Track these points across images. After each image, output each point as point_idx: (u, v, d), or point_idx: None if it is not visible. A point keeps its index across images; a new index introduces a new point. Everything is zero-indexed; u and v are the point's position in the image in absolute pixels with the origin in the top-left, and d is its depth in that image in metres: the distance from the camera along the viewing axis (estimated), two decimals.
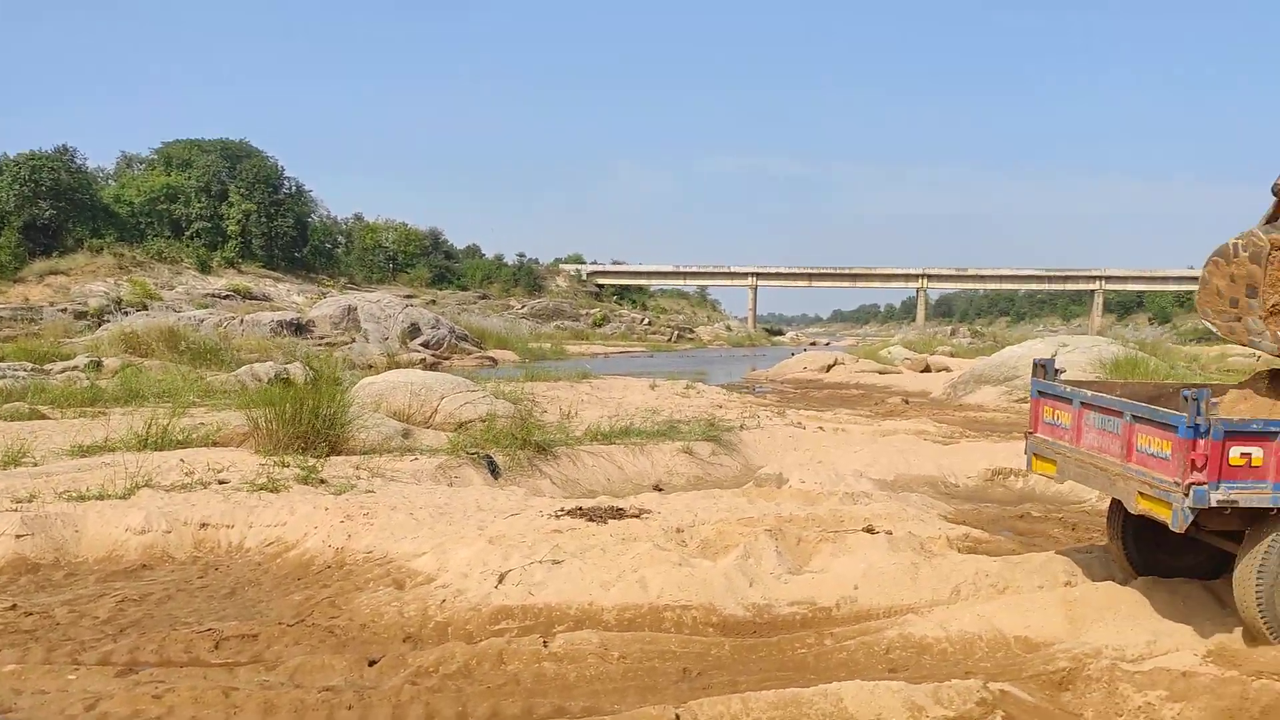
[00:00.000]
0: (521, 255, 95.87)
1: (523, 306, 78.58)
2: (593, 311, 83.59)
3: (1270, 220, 6.88)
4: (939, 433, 18.02)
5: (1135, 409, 6.95)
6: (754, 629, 7.09)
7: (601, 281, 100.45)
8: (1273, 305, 6.71)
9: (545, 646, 6.45)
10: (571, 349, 52.10)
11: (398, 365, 29.18)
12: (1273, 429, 6.40)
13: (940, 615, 7.01)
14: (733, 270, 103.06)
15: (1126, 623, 6.92)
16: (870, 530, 8.93)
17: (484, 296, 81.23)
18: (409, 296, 62.69)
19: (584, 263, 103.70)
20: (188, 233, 68.06)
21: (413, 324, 43.26)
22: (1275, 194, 6.77)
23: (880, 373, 35.41)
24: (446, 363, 37.75)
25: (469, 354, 42.68)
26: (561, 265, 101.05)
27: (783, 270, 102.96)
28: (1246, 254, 6.76)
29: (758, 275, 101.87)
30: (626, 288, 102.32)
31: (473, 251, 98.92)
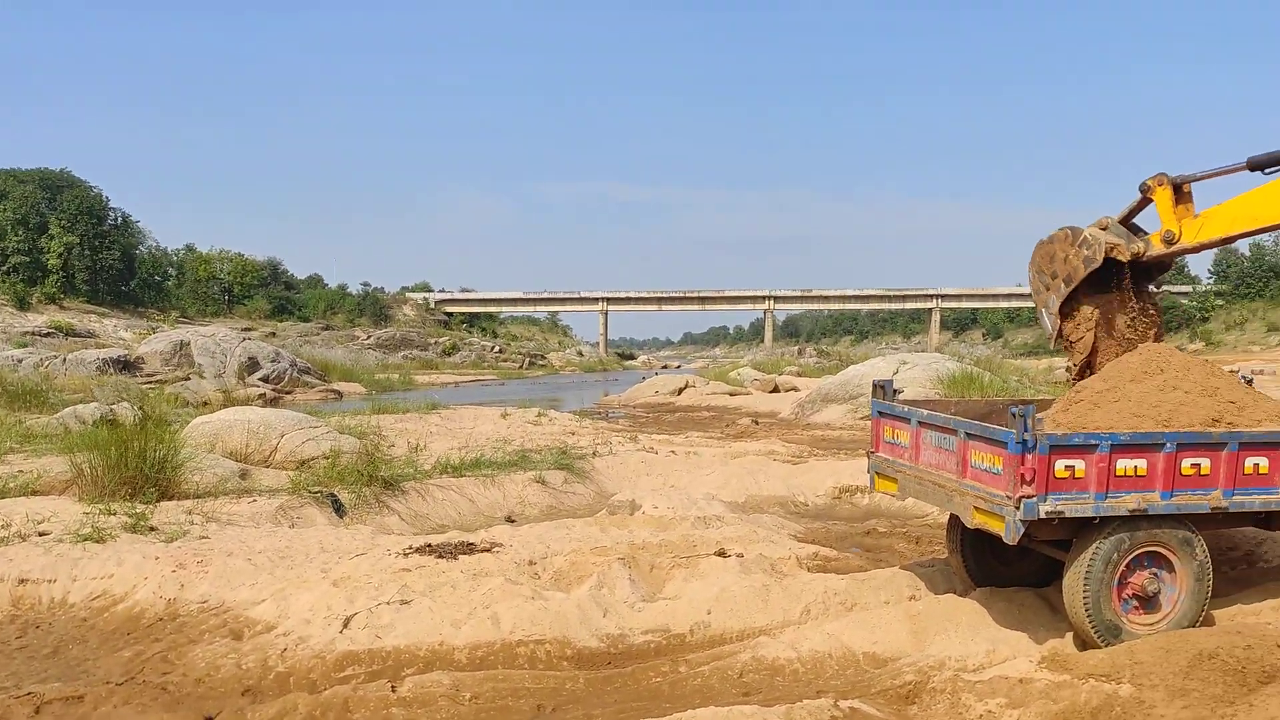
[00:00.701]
0: (366, 284, 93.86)
1: (369, 337, 76.68)
2: (442, 340, 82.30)
3: (1130, 214, 7.53)
4: (788, 452, 18.41)
5: (968, 427, 7.24)
6: (609, 660, 7.02)
7: (450, 309, 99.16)
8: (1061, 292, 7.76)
9: (393, 692, 6.22)
10: (421, 379, 51.07)
11: (235, 402, 27.92)
12: (1093, 442, 6.77)
13: (791, 636, 7.10)
14: (583, 295, 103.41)
15: (967, 633, 7.18)
16: (722, 554, 9.01)
17: (328, 327, 78.93)
18: (247, 329, 60.36)
19: (431, 290, 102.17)
20: (3, 268, 63.79)
21: (251, 358, 41.56)
22: (1141, 191, 7.24)
23: (731, 394, 36.05)
24: (288, 397, 36.39)
25: (312, 388, 41.27)
26: (408, 294, 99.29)
27: (633, 294, 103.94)
28: (1065, 240, 7.72)
29: (608, 300, 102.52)
30: (476, 315, 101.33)
31: (315, 281, 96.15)
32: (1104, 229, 7.47)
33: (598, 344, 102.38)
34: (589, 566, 8.42)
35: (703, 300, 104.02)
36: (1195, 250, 7.35)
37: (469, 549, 9.16)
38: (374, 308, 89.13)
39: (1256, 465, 7.04)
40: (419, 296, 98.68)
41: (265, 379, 40.11)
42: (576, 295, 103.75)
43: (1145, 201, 7.30)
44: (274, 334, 64.86)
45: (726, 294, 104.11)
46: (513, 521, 11.95)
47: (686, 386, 37.47)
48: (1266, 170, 6.66)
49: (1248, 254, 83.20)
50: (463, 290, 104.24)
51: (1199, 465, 6.93)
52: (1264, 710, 4.88)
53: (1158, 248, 7.41)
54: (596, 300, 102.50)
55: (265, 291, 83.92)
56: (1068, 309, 7.82)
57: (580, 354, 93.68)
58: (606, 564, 8.31)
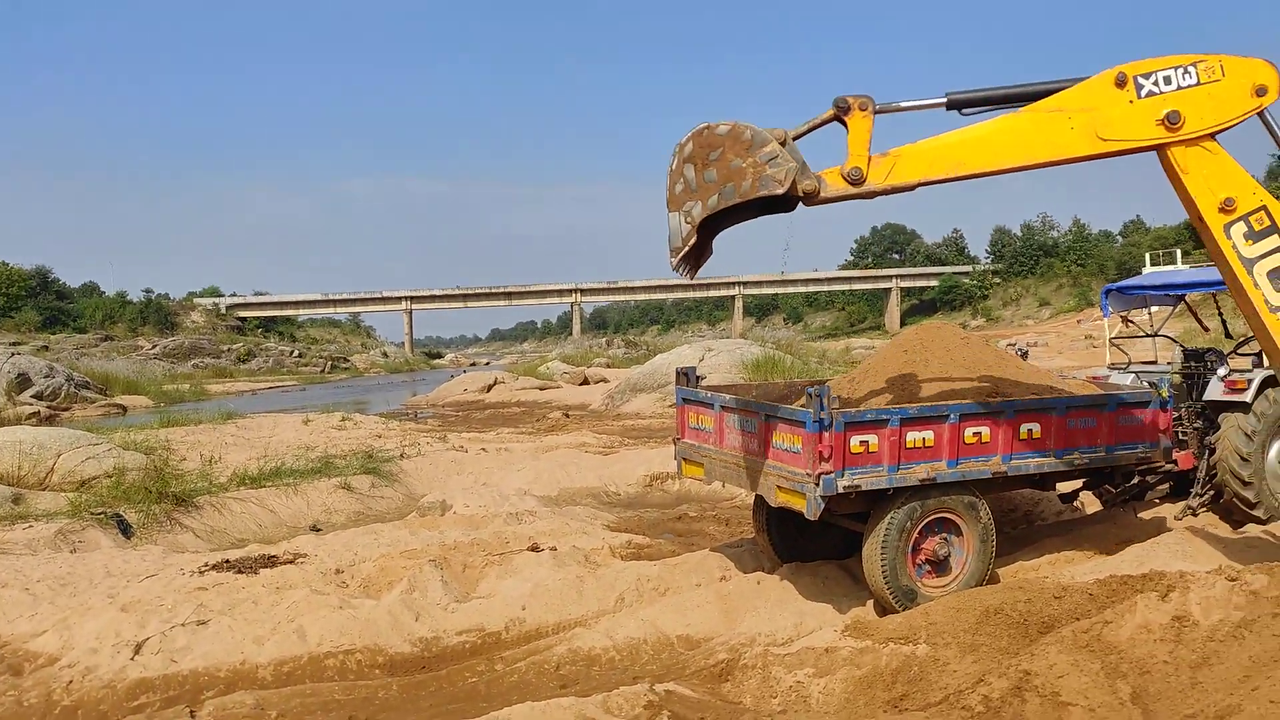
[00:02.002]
0: (149, 291, 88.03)
1: (154, 347, 71.97)
2: (236, 347, 78.21)
3: (809, 130, 5.86)
4: (599, 444, 18.53)
5: (769, 409, 7.46)
6: (423, 664, 6.85)
7: (244, 314, 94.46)
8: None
9: (192, 717, 5.88)
10: (214, 388, 48.41)
11: (5, 422, 25.64)
12: (884, 417, 7.11)
13: (606, 625, 7.13)
14: (385, 295, 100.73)
15: (776, 609, 7.40)
16: (535, 548, 8.95)
17: (108, 338, 73.56)
18: (15, 344, 55.47)
19: (222, 295, 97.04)
20: None
21: (21, 374, 38.22)
22: (836, 108, 5.73)
23: (541, 389, 35.97)
24: (66, 414, 33.71)
25: (93, 403, 38.40)
26: (196, 299, 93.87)
27: (437, 292, 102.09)
28: (740, 142, 5.76)
29: (412, 299, 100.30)
30: (273, 320, 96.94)
31: (90, 290, 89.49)
32: (782, 144, 5.68)
33: (403, 344, 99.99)
34: (399, 571, 8.19)
35: (509, 295, 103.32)
36: (881, 194, 5.80)
37: (271, 562, 8.75)
38: (159, 316, 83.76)
39: (1030, 431, 7.58)
40: (208, 302, 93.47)
41: (39, 396, 36.99)
42: (379, 295, 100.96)
43: (832, 121, 5.75)
44: (46, 347, 59.88)
45: (533, 288, 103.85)
46: (318, 530, 11.50)
47: (496, 383, 37.13)
48: (965, 112, 5.81)
49: (1019, 234, 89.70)
50: (256, 294, 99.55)
51: (980, 434, 7.40)
52: (1044, 658, 5.23)
53: (837, 187, 5.70)
54: (400, 299, 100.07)
55: (34, 302, 77.46)
56: (710, 226, 5.95)
57: (385, 355, 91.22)
58: (417, 567, 8.10)
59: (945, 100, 5.73)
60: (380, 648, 6.91)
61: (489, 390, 36.08)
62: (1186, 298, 11.07)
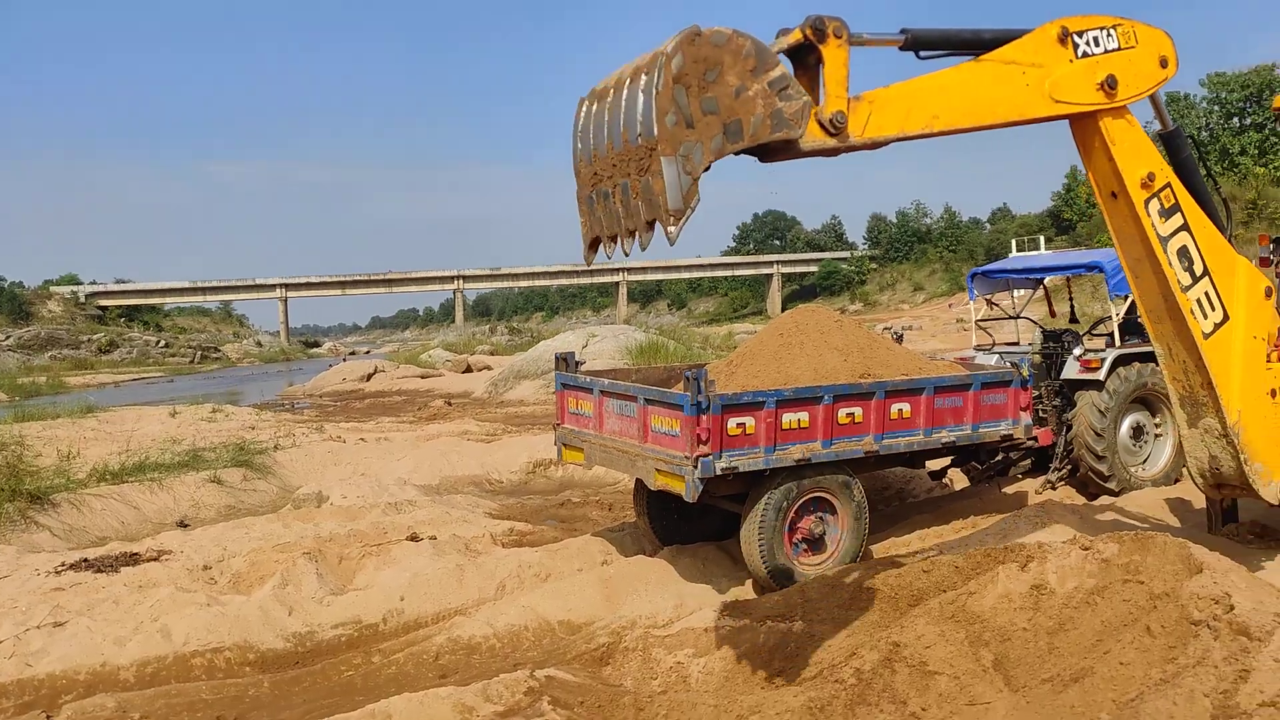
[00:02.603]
0: (0, 279, 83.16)
1: (7, 337, 68.19)
2: (97, 337, 74.60)
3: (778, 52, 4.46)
4: (482, 431, 18.34)
5: (647, 393, 7.49)
6: (296, 659, 6.67)
7: (106, 303, 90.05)
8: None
9: None
10: (74, 381, 46.09)
11: None
12: (760, 399, 7.22)
13: (487, 613, 7.06)
14: (259, 282, 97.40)
15: (657, 591, 7.45)
16: (415, 538, 8.80)
17: None
18: None
19: (80, 283, 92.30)
20: None
21: None
22: (809, 33, 4.52)
23: (423, 377, 35.39)
24: None
25: None
26: (53, 288, 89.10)
27: (314, 280, 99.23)
28: (745, 60, 4.26)
29: (286, 286, 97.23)
30: (138, 308, 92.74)
31: None
32: None
33: (278, 333, 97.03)
34: (271, 565, 7.94)
35: (389, 283, 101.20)
36: (856, 149, 4.81)
37: (133, 560, 8.38)
38: (11, 305, 79.20)
39: (901, 411, 7.80)
40: (66, 290, 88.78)
41: None
42: (251, 282, 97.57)
43: (802, 50, 4.56)
44: None
45: (414, 275, 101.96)
46: (185, 526, 11.06)
47: (376, 371, 36.37)
48: (922, 55, 4.96)
49: (895, 221, 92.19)
50: (118, 281, 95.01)
51: (853, 414, 7.58)
52: (912, 629, 5.40)
53: (814, 138, 4.60)
54: (274, 287, 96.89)
55: None
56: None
57: (259, 344, 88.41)
58: (290, 560, 7.87)
59: (903, 38, 4.90)
60: (251, 645, 6.69)
61: (369, 379, 35.32)
62: (1045, 282, 11.56)
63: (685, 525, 8.54)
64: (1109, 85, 5.46)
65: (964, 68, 5.03)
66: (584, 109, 4.42)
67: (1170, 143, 5.90)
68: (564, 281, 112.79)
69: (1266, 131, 50.05)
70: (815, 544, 7.53)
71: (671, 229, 4.00)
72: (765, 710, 5.00)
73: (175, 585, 7.48)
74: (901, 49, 4.89)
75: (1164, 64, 5.60)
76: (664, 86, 3.96)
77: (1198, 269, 5.68)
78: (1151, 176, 5.66)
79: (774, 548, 7.22)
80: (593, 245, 4.54)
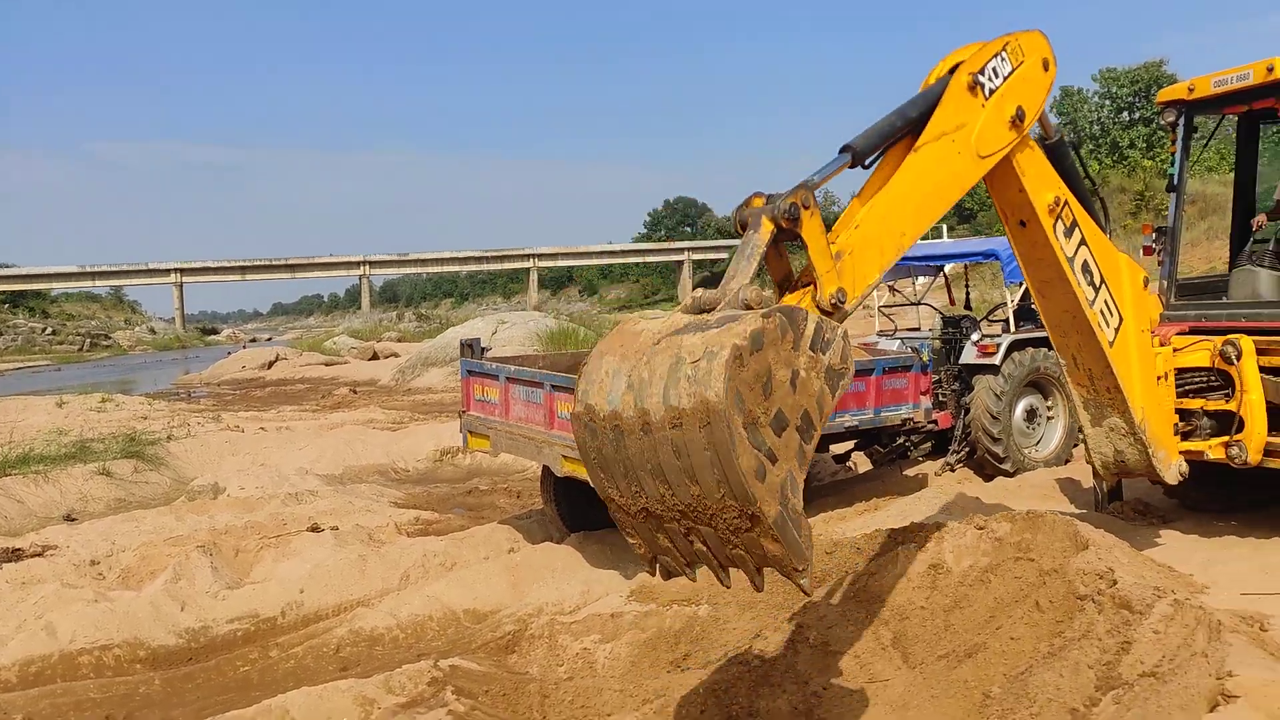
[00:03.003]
0: None
1: None
2: None
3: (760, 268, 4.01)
4: (388, 419, 18.04)
5: (553, 379, 7.45)
6: (189, 656, 6.46)
7: None
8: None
9: None
10: None
11: None
12: None
13: (391, 603, 6.95)
14: (153, 267, 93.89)
15: (564, 578, 7.41)
16: (316, 529, 8.62)
17: None
18: None
19: None
20: None
21: None
22: (778, 222, 3.87)
23: (327, 364, 34.68)
24: None
25: None
26: None
27: (211, 264, 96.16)
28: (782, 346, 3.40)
29: (182, 271, 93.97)
30: (21, 294, 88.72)
31: None
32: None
33: (174, 320, 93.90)
34: (163, 559, 7.69)
35: (292, 268, 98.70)
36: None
37: (15, 555, 8.04)
38: None
39: None
40: None
41: None
42: (145, 267, 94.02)
43: (779, 237, 3.97)
44: None
45: (318, 261, 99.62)
46: (72, 520, 10.64)
47: (278, 359, 35.51)
48: (869, 163, 4.56)
49: None
50: (0, 266, 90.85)
51: None
52: (814, 611, 5.49)
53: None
54: (168, 271, 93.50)
55: None
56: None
57: (153, 331, 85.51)
58: (184, 554, 7.62)
59: (848, 158, 4.46)
60: (141, 641, 6.46)
61: (270, 367, 34.45)
62: (945, 269, 11.85)
63: (593, 511, 8.49)
64: (1019, 119, 5.04)
65: (908, 167, 4.59)
66: (596, 438, 3.32)
67: (1055, 152, 5.50)
68: (473, 268, 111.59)
69: (1154, 126, 52.04)
70: None
71: (804, 581, 3.24)
72: (671, 694, 5.03)
73: (61, 581, 7.18)
74: (850, 168, 4.46)
75: (1046, 67, 5.25)
76: (738, 441, 3.07)
77: (1096, 280, 5.61)
78: (1058, 200, 5.42)
79: None
80: (654, 563, 3.59)
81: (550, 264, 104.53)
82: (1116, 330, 5.77)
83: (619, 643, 6.03)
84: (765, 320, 3.13)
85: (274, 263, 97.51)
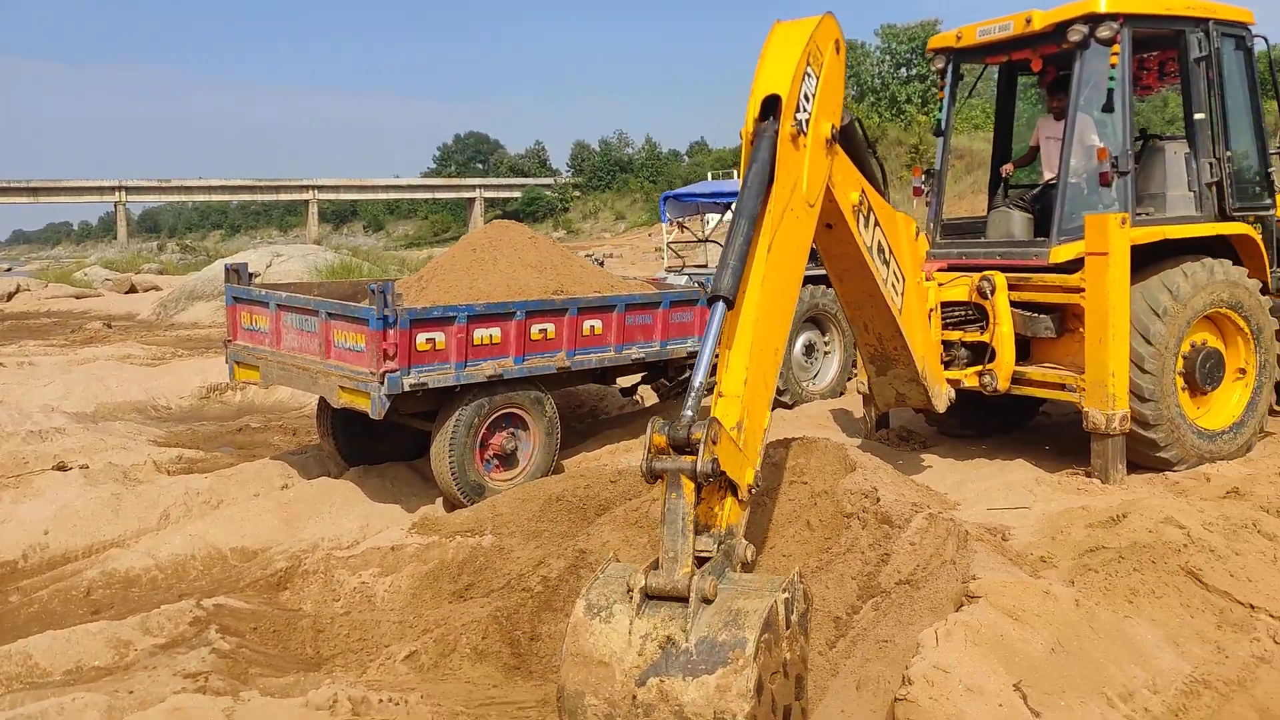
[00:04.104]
0: None
1: None
2: None
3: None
4: (148, 355, 16.81)
5: (329, 306, 7.11)
6: None
7: None
8: None
9: None
10: None
11: None
12: (451, 314, 7.04)
13: (148, 544, 6.50)
14: None
15: (341, 513, 7.17)
16: (62, 468, 7.93)
17: None
18: None
19: None
20: None
21: None
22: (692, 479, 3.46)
23: (78, 297, 31.90)
24: None
25: None
26: None
27: None
28: None
29: None
30: None
31: None
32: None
33: None
34: None
35: (34, 192, 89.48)
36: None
37: None
38: None
39: (593, 328, 7.90)
40: None
41: None
42: None
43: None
44: None
45: (66, 184, 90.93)
46: None
47: (19, 290, 32.37)
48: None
49: (598, 149, 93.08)
50: None
51: (546, 331, 7.58)
52: (598, 536, 5.53)
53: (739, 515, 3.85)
54: None
55: None
56: None
57: None
58: None
59: (726, 307, 4.01)
60: None
61: (9, 299, 31.36)
62: (734, 206, 12.11)
63: (373, 445, 8.25)
64: (833, 138, 4.84)
65: (756, 276, 4.20)
66: None
67: (847, 134, 5.19)
68: (246, 197, 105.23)
69: (929, 82, 55.07)
70: (507, 460, 7.52)
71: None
72: (451, 622, 4.94)
73: None
74: (730, 314, 4.08)
75: (839, 50, 4.97)
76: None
77: (887, 254, 5.77)
78: (862, 198, 5.35)
79: (465, 464, 7.13)
80: None
81: (332, 196, 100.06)
82: (903, 295, 6.07)
83: (399, 575, 5.88)
84: (759, 654, 3.07)
85: (14, 185, 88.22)
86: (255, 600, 5.56)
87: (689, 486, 3.41)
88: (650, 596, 3.25)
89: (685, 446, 3.42)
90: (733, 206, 11.94)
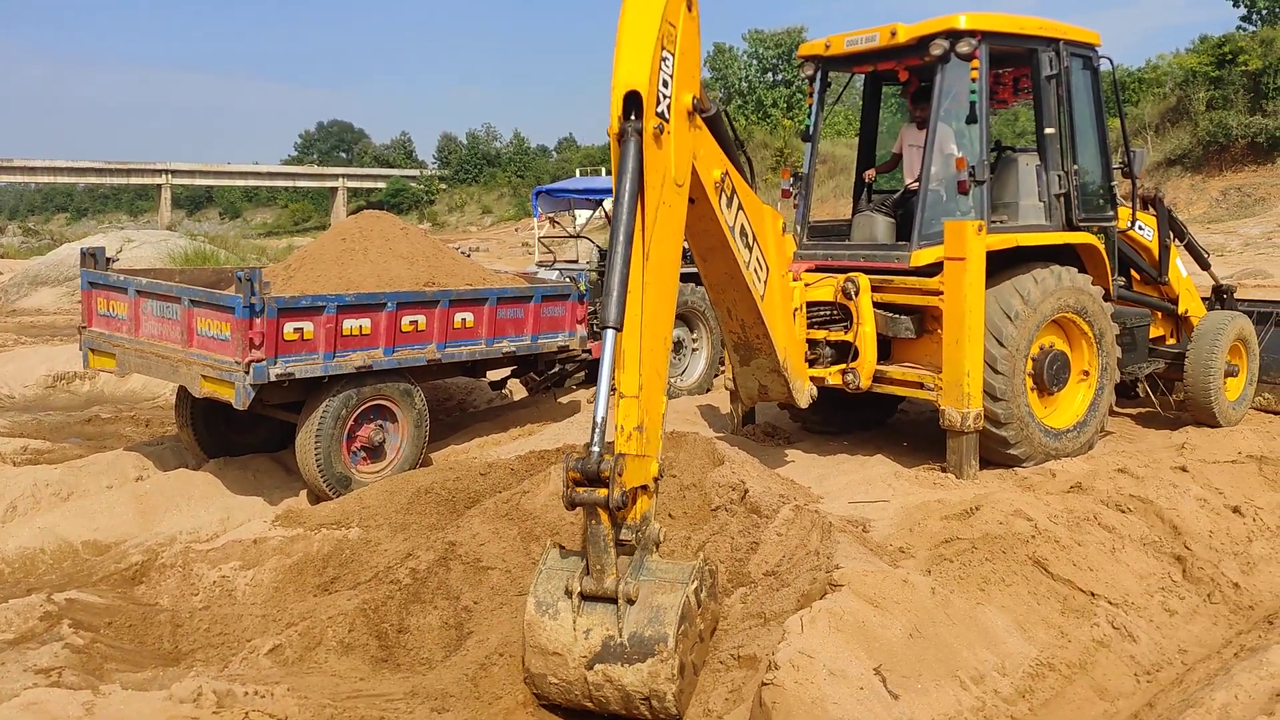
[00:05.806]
0: None
1: None
2: None
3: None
4: None
5: (193, 294, 6.89)
6: None
7: None
8: None
9: None
10: None
11: None
12: (320, 304, 6.91)
13: None
14: None
15: (200, 506, 6.95)
16: None
17: None
18: None
19: None
20: None
21: None
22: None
23: None
24: None
25: None
26: None
27: None
28: None
29: None
30: None
31: None
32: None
33: None
34: None
35: None
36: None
37: None
38: None
39: (464, 320, 7.86)
40: None
41: None
42: None
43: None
44: None
45: None
46: None
47: None
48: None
49: (465, 142, 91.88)
50: None
51: (417, 322, 7.52)
52: (468, 529, 5.52)
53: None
54: None
55: None
56: None
57: None
58: None
59: (617, 332, 4.31)
60: None
61: None
62: (605, 204, 12.20)
63: (235, 436, 8.03)
64: (694, 109, 4.80)
65: (641, 289, 4.40)
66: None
67: (715, 124, 5.28)
68: (93, 180, 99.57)
69: (794, 88, 56.41)
70: (375, 452, 7.43)
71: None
72: (317, 615, 4.88)
73: None
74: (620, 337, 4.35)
75: (691, 7, 4.87)
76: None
77: (750, 239, 5.85)
78: (724, 175, 5.42)
79: (331, 456, 7.02)
80: None
81: (187, 181, 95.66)
82: (765, 284, 6.22)
83: (262, 569, 5.76)
84: (678, 644, 3.78)
85: None
86: (109, 595, 5.36)
87: (606, 517, 3.89)
88: (586, 598, 3.88)
89: (596, 480, 3.83)
90: (606, 204, 12.10)
